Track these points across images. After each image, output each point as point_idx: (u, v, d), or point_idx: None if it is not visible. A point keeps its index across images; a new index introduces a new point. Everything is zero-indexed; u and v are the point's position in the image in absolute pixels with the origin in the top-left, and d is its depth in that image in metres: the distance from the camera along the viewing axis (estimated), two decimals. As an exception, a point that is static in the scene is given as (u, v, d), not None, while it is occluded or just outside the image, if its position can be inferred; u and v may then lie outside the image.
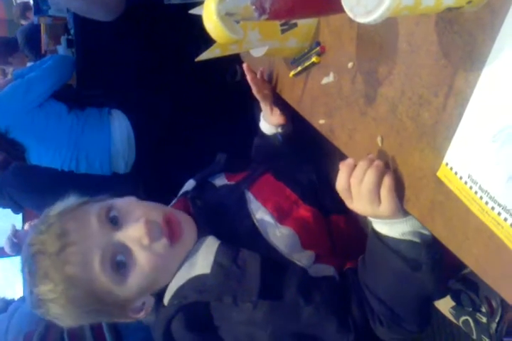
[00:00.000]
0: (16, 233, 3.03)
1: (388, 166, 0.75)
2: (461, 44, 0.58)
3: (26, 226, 3.13)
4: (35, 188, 2.02)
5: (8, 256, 3.17)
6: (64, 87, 2.17)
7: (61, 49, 2.53)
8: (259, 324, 0.84)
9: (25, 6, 3.37)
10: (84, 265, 0.83)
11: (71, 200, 0.93)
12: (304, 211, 0.98)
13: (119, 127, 2.03)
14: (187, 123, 2.01)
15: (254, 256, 0.85)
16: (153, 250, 0.85)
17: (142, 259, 0.85)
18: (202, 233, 0.92)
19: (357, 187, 0.74)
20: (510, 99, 0.52)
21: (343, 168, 0.76)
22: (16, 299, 1.99)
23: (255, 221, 0.95)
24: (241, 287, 0.83)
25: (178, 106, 2.04)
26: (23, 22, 3.33)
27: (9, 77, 2.29)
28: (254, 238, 0.92)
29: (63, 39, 2.51)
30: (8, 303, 2.21)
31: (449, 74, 0.61)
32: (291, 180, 1.05)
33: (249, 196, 1.02)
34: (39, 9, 2.53)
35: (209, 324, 0.87)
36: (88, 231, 0.84)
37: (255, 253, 0.86)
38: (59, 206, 0.91)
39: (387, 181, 0.72)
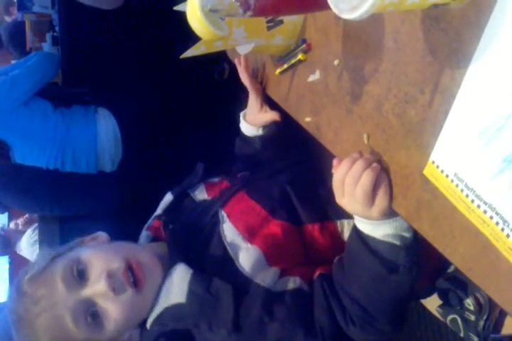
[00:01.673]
0: (3, 228, 3.00)
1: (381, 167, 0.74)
2: (447, 41, 0.58)
3: (12, 225, 3.09)
4: (19, 188, 2.00)
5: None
6: (49, 85, 2.14)
7: (46, 46, 2.50)
8: None
9: (9, 2, 3.32)
10: (60, 328, 0.88)
11: (41, 258, 0.97)
12: (274, 226, 0.98)
13: (105, 125, 2.01)
14: (174, 121, 2.00)
15: (226, 286, 0.88)
16: (121, 300, 0.89)
17: (112, 310, 0.88)
18: (174, 259, 0.95)
19: (351, 187, 0.73)
20: (495, 97, 0.51)
21: (347, 161, 0.75)
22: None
23: (226, 244, 0.96)
24: (216, 315, 0.87)
25: (165, 104, 2.03)
26: (7, 18, 3.28)
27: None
28: (224, 263, 0.94)
29: (48, 36, 2.48)
30: None
31: (435, 71, 0.60)
32: (264, 197, 1.05)
33: (223, 215, 1.03)
34: (23, 5, 2.49)
35: None
36: (56, 296, 0.88)
37: (227, 284, 0.88)
38: (30, 269, 0.95)
39: (385, 184, 0.72)
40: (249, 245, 0.95)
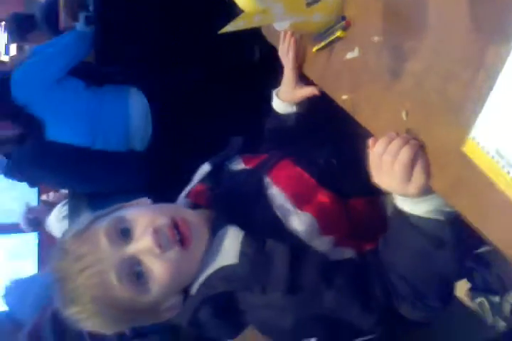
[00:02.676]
0: (30, 210, 3.06)
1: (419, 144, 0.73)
2: (493, 14, 0.57)
3: (44, 197, 3.15)
4: (49, 164, 2.03)
5: (21, 232, 3.21)
6: (83, 64, 2.16)
7: (79, 26, 2.51)
8: (281, 308, 0.86)
9: (43, -18, 3.35)
10: (103, 285, 0.84)
11: (83, 219, 0.94)
12: (323, 196, 0.97)
13: (137, 105, 2.04)
14: (205, 101, 2.01)
15: (281, 246, 0.86)
16: (167, 258, 0.85)
17: (158, 269, 0.85)
18: (222, 222, 0.92)
19: (389, 164, 0.73)
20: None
21: (384, 139, 0.74)
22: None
23: (275, 208, 0.95)
24: (269, 276, 0.84)
25: (197, 84, 2.04)
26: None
27: (27, 53, 2.28)
28: (274, 225, 0.92)
29: (81, 16, 2.49)
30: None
31: (480, 47, 0.60)
32: (310, 165, 1.03)
33: (268, 181, 1.01)
34: (57, -16, 2.51)
35: (235, 310, 0.88)
36: (100, 253, 0.86)
37: (282, 244, 0.86)
38: (72, 228, 0.93)
39: (422, 161, 0.71)
40: (299, 211, 0.93)
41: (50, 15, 2.70)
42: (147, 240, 0.85)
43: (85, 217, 0.95)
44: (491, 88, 0.58)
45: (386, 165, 0.74)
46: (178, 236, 0.86)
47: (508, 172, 0.56)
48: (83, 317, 0.88)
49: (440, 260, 0.79)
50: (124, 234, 0.87)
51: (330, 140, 1.12)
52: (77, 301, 0.86)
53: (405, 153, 0.71)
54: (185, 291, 0.91)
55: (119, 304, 0.86)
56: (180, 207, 1.01)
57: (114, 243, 0.86)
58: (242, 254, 0.86)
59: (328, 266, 0.86)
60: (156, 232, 0.85)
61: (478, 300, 1.06)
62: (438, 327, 1.14)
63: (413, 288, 0.82)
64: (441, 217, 0.77)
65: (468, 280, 1.08)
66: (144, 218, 0.88)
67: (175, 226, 0.87)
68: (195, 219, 0.92)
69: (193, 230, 0.89)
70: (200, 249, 0.90)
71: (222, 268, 0.87)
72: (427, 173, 0.72)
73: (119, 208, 0.96)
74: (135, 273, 0.85)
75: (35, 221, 2.87)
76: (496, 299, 1.01)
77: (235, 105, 1.98)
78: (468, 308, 1.13)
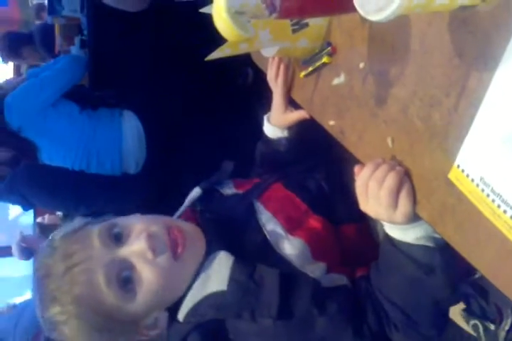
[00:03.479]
0: (24, 238, 3.03)
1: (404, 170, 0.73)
2: (474, 44, 0.57)
3: (39, 219, 3.13)
4: (45, 187, 2.03)
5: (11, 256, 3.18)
6: (76, 87, 2.18)
7: (74, 49, 2.54)
8: (272, 336, 0.84)
9: (40, 7, 3.41)
10: (90, 284, 0.82)
11: (75, 222, 0.93)
12: (314, 221, 0.97)
13: (130, 128, 2.04)
14: (198, 124, 2.01)
15: (272, 271, 0.84)
16: (158, 264, 0.84)
17: (148, 274, 0.83)
18: (213, 247, 0.91)
19: (375, 189, 0.73)
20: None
21: (370, 165, 0.75)
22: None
23: (266, 233, 0.94)
24: (259, 303, 0.82)
25: (189, 107, 2.05)
26: (38, 22, 3.37)
27: (23, 76, 2.30)
28: (265, 251, 0.91)
29: (77, 39, 2.52)
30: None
31: (462, 74, 0.60)
32: (301, 189, 1.03)
33: (259, 206, 1.00)
34: (53, 9, 2.53)
35: (224, 338, 0.86)
36: (91, 251, 0.84)
37: (273, 269, 0.85)
38: (63, 229, 0.91)
39: (407, 187, 0.71)
40: (290, 236, 0.92)
41: (47, 38, 2.73)
42: (140, 243, 0.84)
43: (78, 220, 0.93)
44: (473, 115, 0.58)
45: (372, 192, 0.73)
46: (172, 243, 0.86)
47: (493, 201, 0.56)
48: (61, 319, 0.84)
49: (431, 286, 0.78)
50: (117, 238, 0.86)
51: (321, 165, 1.12)
52: (59, 300, 0.83)
53: (391, 180, 0.71)
54: (171, 314, 0.89)
55: (101, 309, 0.83)
56: (176, 219, 1.00)
57: (106, 245, 0.85)
58: (232, 280, 0.85)
59: (320, 292, 0.85)
60: (151, 236, 0.84)
61: (473, 322, 1.05)
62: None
63: (406, 316, 0.82)
64: (430, 244, 0.77)
65: (465, 304, 1.06)
66: (138, 225, 0.88)
67: (169, 234, 0.86)
68: (191, 228, 0.91)
69: (188, 239, 0.88)
70: (192, 262, 0.89)
71: (212, 295, 0.85)
72: (413, 200, 0.71)
73: (113, 217, 0.95)
74: (124, 277, 0.83)
75: (28, 250, 2.83)
76: (492, 327, 0.99)
77: (228, 127, 1.99)
78: (463, 331, 1.12)
